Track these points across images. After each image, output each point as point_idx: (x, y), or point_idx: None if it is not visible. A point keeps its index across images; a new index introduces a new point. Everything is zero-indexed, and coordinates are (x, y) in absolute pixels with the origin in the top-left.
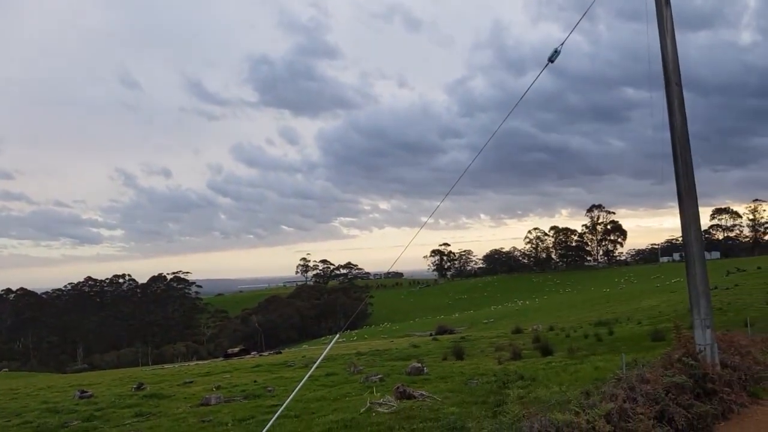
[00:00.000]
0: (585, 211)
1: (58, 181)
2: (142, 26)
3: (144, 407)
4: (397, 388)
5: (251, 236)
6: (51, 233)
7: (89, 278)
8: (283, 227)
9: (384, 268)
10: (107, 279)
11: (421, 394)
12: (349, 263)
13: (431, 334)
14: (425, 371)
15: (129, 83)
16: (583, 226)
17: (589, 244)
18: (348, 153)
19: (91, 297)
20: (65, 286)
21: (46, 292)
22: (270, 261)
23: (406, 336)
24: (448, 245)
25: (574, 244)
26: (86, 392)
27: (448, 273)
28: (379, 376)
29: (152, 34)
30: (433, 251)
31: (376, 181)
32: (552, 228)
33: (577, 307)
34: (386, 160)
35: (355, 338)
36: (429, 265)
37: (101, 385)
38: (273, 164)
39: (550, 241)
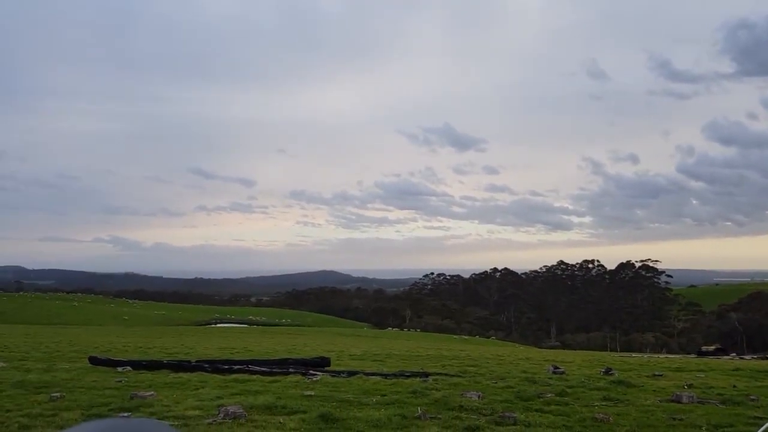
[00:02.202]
0: None
1: (534, 173)
2: (606, 15)
3: (612, 392)
4: None
5: (729, 223)
6: (528, 220)
7: (561, 262)
8: None
9: None
10: (577, 264)
11: None
12: None
13: None
14: None
15: (596, 74)
16: None
17: None
18: None
19: (563, 280)
20: (540, 269)
21: (525, 273)
22: (753, 251)
23: None
24: None
25: None
26: (559, 368)
27: None
28: None
29: (616, 21)
30: None
31: None
32: None
33: None
34: None
35: None
36: None
37: (572, 364)
38: (755, 140)
39: None
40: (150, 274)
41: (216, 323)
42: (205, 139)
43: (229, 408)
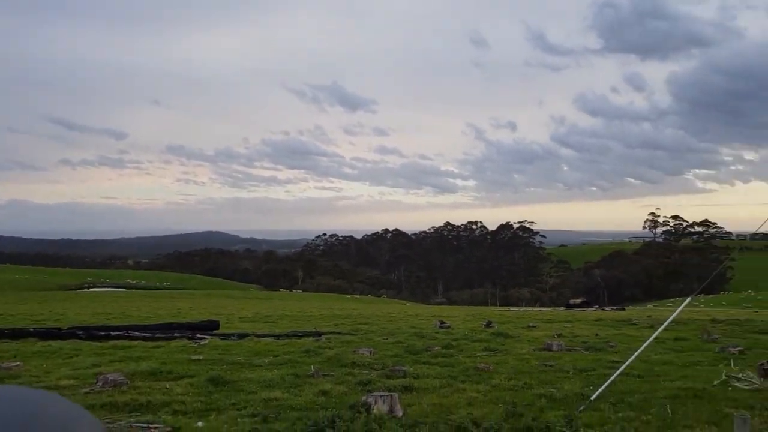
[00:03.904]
0: None
1: (422, 136)
2: None
3: (492, 343)
4: (762, 364)
5: (594, 188)
6: (417, 182)
7: (448, 223)
8: (629, 179)
9: (750, 228)
10: (462, 225)
11: None
12: (706, 221)
13: None
14: None
15: (478, 42)
16: None
17: None
18: (704, 97)
19: (449, 240)
20: (429, 229)
21: (414, 234)
22: (614, 214)
23: None
24: None
25: None
26: (445, 323)
27: None
28: (739, 348)
29: None
30: None
31: (741, 127)
32: None
33: None
34: (754, 103)
35: (710, 304)
36: None
37: (457, 318)
38: (617, 113)
39: None
40: (6, 234)
41: (88, 287)
42: (67, 85)
43: (108, 376)
